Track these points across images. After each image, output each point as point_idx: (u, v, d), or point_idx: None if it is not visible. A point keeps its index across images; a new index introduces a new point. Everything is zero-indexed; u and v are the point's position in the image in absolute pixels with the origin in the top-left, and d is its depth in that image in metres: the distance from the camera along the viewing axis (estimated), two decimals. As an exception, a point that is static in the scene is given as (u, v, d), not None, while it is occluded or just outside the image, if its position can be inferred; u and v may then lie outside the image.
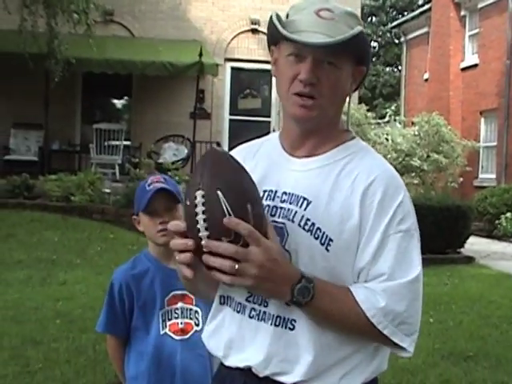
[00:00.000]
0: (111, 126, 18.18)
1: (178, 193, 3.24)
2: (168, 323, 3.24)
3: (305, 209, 2.08)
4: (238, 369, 2.15)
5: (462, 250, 14.43)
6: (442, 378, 6.52)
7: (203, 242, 1.89)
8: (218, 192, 1.87)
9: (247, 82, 20.45)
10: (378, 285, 2.02)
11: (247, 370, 2.12)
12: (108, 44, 17.93)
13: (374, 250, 2.03)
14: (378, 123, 17.32)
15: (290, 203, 2.11)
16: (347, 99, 2.24)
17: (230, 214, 1.86)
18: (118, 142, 17.67)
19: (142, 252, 3.41)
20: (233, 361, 2.15)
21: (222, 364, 2.22)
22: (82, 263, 10.26)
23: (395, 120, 17.37)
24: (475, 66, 24.85)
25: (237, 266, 1.89)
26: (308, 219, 2.06)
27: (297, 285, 1.96)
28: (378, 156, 2.23)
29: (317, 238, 2.04)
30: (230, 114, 20.02)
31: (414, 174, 16.39)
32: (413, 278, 2.05)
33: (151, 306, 3.23)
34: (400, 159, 15.92)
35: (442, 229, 13.47)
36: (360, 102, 18.69)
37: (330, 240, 2.04)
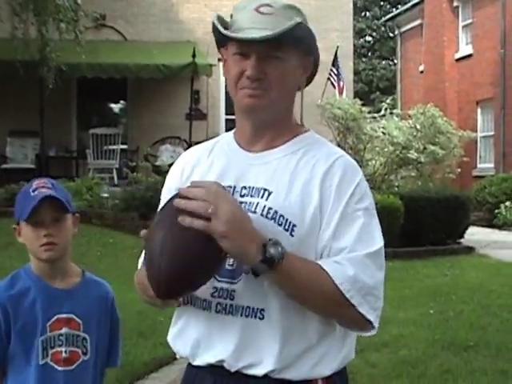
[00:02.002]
0: (107, 130, 18.21)
1: (68, 201, 2.81)
2: (50, 351, 2.78)
3: (266, 199, 2.12)
4: (207, 367, 2.15)
5: (461, 240, 14.44)
6: (442, 369, 6.50)
7: (175, 201, 1.97)
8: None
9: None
10: (344, 256, 2.05)
11: (217, 368, 2.12)
12: (101, 48, 17.93)
13: (333, 227, 2.08)
14: (374, 117, 17.28)
15: (251, 196, 2.14)
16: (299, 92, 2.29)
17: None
18: (114, 147, 17.69)
19: (23, 268, 2.92)
20: (202, 359, 2.15)
21: (189, 365, 2.23)
22: (82, 267, 10.21)
23: (391, 113, 17.32)
24: (470, 56, 24.88)
25: (211, 209, 1.92)
26: (270, 208, 2.10)
27: (268, 241, 1.98)
28: (334, 146, 2.30)
29: (280, 225, 2.08)
30: (226, 114, 20.01)
31: (411, 167, 16.37)
32: (375, 249, 2.09)
33: (31, 330, 2.76)
34: (397, 152, 15.89)
35: (442, 220, 13.48)
36: (355, 97, 18.67)
37: (294, 225, 2.08)
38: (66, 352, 2.78)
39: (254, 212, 2.10)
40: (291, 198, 2.11)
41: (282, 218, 2.08)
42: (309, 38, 2.20)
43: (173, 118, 19.23)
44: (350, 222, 2.09)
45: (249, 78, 2.13)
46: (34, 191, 2.76)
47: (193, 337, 2.17)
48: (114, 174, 17.44)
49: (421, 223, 13.22)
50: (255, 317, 2.07)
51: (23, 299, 2.78)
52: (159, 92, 19.16)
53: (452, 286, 10.15)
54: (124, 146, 18.45)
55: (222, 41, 2.22)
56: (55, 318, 2.78)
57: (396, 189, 15.29)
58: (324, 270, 2.03)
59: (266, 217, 2.09)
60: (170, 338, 2.28)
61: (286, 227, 2.08)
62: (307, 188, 2.11)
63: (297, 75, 2.21)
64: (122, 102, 20.87)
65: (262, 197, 2.13)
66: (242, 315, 2.08)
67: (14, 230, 2.86)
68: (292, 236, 2.07)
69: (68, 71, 16.16)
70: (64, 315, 2.79)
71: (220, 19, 2.19)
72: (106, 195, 15.10)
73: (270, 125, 2.22)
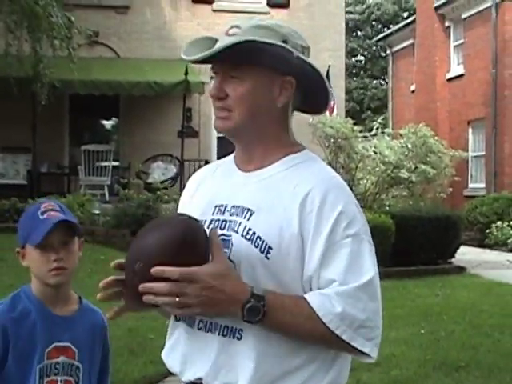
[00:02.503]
0: (99, 147, 18.20)
1: (76, 224, 2.77)
2: (45, 379, 2.70)
3: (248, 219, 2.12)
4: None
5: (453, 260, 14.45)
6: (434, 389, 6.51)
7: (140, 287, 1.99)
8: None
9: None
10: (333, 290, 2.02)
11: None
12: (94, 65, 17.96)
13: (319, 257, 2.04)
14: (366, 136, 17.32)
15: (237, 215, 2.15)
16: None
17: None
18: (106, 163, 17.68)
19: (22, 289, 2.83)
20: (187, 376, 2.16)
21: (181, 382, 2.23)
22: (73, 285, 10.18)
23: (383, 132, 17.36)
24: (461, 76, 24.99)
25: (177, 299, 1.96)
26: (250, 229, 2.10)
27: (246, 304, 1.98)
28: (323, 166, 2.24)
29: (256, 247, 2.07)
30: (218, 132, 19.97)
31: (402, 186, 16.40)
32: (367, 280, 2.04)
33: (29, 357, 2.68)
34: (388, 171, 15.92)
35: (433, 239, 13.50)
36: (347, 116, 18.74)
37: (270, 248, 2.06)
38: (61, 381, 2.73)
39: (236, 232, 2.12)
40: (271, 219, 2.09)
41: (258, 240, 2.07)
42: (277, 58, 2.13)
43: (165, 136, 19.24)
44: (337, 250, 2.04)
45: (212, 96, 2.18)
46: (42, 214, 2.70)
47: (180, 352, 2.19)
48: (106, 191, 17.43)
49: (412, 242, 13.23)
50: (233, 336, 2.07)
51: (24, 323, 2.71)
52: (151, 109, 19.18)
53: (443, 306, 10.15)
54: (116, 163, 18.44)
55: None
56: (53, 345, 2.72)
57: (387, 208, 15.31)
58: (311, 307, 2.00)
59: (245, 237, 2.10)
60: (163, 354, 2.28)
61: (262, 249, 2.07)
62: (287, 211, 2.09)
63: (268, 94, 2.17)
64: (114, 118, 20.87)
65: (244, 216, 2.13)
66: (219, 334, 2.09)
67: (18, 254, 2.78)
68: (267, 258, 2.06)
69: (61, 88, 16.20)
70: (62, 343, 2.74)
71: (200, 41, 2.24)
72: (97, 212, 15.08)
73: (255, 145, 2.22)
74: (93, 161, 17.65)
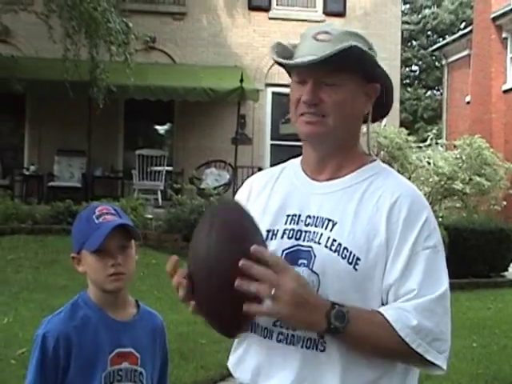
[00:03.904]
0: (153, 152, 18.31)
1: (134, 227, 2.70)
2: None
3: (330, 230, 2.10)
4: None
5: (505, 273, 14.27)
6: (485, 403, 6.44)
7: (241, 262, 1.90)
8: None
9: (288, 107, 20.44)
10: (408, 303, 2.01)
11: None
12: (150, 71, 18.12)
13: (402, 266, 2.04)
14: (420, 147, 17.22)
15: (316, 226, 2.13)
16: (367, 120, 2.26)
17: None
18: (160, 168, 17.80)
19: (79, 296, 2.77)
20: None
21: None
22: (135, 299, 10.20)
23: (437, 143, 17.27)
24: (517, 88, 24.70)
25: (273, 291, 1.90)
26: (334, 240, 2.08)
27: (331, 311, 1.96)
28: (401, 176, 2.25)
29: (344, 258, 2.06)
30: (272, 139, 20.04)
31: (456, 198, 16.29)
32: (441, 293, 2.05)
33: (93, 364, 2.61)
34: (442, 183, 15.83)
35: (485, 252, 13.36)
36: (401, 126, 18.63)
37: (358, 259, 2.05)
38: None
39: (319, 243, 2.10)
40: (356, 230, 2.08)
41: (345, 251, 2.06)
42: (369, 64, 2.15)
43: (218, 142, 19.32)
44: (418, 260, 2.05)
45: (305, 102, 2.14)
46: (98, 218, 2.63)
47: (253, 364, 2.16)
48: (159, 196, 17.53)
49: (464, 255, 13.08)
50: (316, 349, 2.05)
51: (86, 331, 2.63)
52: (206, 115, 19.28)
53: (495, 320, 10.04)
54: (169, 168, 18.53)
55: (287, 69, 2.25)
56: (116, 351, 2.65)
57: (440, 219, 15.20)
58: (388, 321, 2.00)
59: (330, 249, 2.08)
60: (230, 364, 2.26)
61: (350, 260, 2.05)
62: (373, 221, 2.08)
63: (357, 102, 2.18)
64: (168, 124, 21.00)
65: (326, 227, 2.11)
66: (302, 346, 2.07)
67: (73, 259, 2.72)
68: (356, 270, 2.05)
69: (117, 92, 16.33)
70: (124, 349, 2.67)
71: (280, 47, 2.23)
72: (150, 216, 15.18)
73: (334, 153, 2.21)
74: (147, 165, 17.79)
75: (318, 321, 1.96)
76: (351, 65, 2.12)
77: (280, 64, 2.23)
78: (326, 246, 2.08)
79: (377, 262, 2.06)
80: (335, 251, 2.07)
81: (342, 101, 2.13)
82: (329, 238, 2.09)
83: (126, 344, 2.67)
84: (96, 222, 2.62)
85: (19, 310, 8.87)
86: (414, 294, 2.02)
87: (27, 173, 18.44)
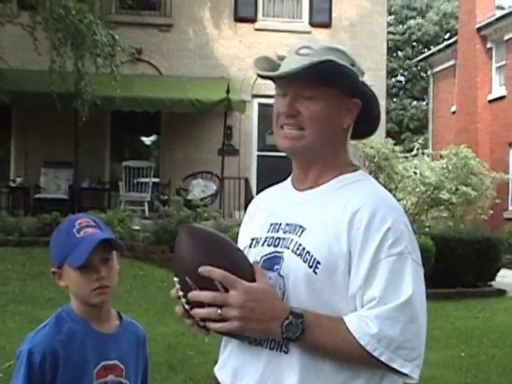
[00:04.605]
0: (140, 163, 18.31)
1: (116, 240, 2.64)
2: None
3: (299, 236, 2.17)
4: None
5: (493, 282, 14.31)
6: (474, 413, 6.45)
7: (189, 294, 2.06)
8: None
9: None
10: (371, 311, 2.03)
11: None
12: (136, 82, 18.13)
13: (364, 274, 2.06)
14: (406, 157, 17.29)
15: (290, 233, 2.20)
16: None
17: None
18: (146, 180, 17.79)
19: (63, 310, 2.70)
20: None
21: None
22: (112, 300, 10.20)
23: (423, 153, 17.33)
24: (503, 97, 24.80)
25: (219, 311, 2.00)
26: (300, 244, 2.14)
27: (285, 321, 2.02)
28: (377, 186, 2.27)
29: (305, 261, 2.11)
30: (258, 150, 20.04)
31: (442, 207, 16.34)
32: (404, 300, 2.03)
33: (79, 379, 2.56)
34: (428, 192, 15.88)
35: (473, 262, 13.40)
36: (387, 136, 18.68)
37: (318, 263, 2.09)
38: None
39: (288, 248, 2.16)
40: (320, 236, 2.12)
41: (307, 255, 2.11)
42: (349, 79, 2.19)
43: (205, 153, 19.32)
44: (380, 268, 2.05)
45: (284, 114, 2.20)
46: (78, 232, 2.56)
47: (233, 366, 2.21)
48: (146, 207, 17.52)
49: (452, 265, 13.11)
50: (280, 350, 2.10)
51: (72, 345, 2.57)
52: (192, 127, 19.29)
53: (483, 329, 10.07)
54: (156, 180, 18.53)
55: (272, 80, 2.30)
56: (101, 364, 2.60)
57: (427, 229, 15.23)
58: (349, 330, 2.02)
59: (295, 253, 2.14)
60: (216, 368, 2.31)
61: (310, 264, 2.10)
62: (336, 227, 2.11)
63: (336, 116, 2.22)
64: (155, 135, 21.00)
65: (296, 233, 2.18)
66: (267, 347, 2.12)
67: (54, 274, 2.64)
68: (315, 273, 2.09)
69: (103, 104, 16.30)
70: (110, 362, 2.62)
71: (263, 60, 2.29)
72: (137, 227, 15.18)
73: (314, 163, 2.26)
74: (133, 177, 17.78)
75: (275, 329, 2.04)
76: (328, 79, 2.16)
77: (262, 77, 2.29)
78: (292, 251, 2.15)
79: (337, 268, 2.09)
80: (299, 255, 2.13)
81: (318, 113, 2.18)
82: (296, 242, 2.16)
83: (112, 356, 2.64)
84: (77, 235, 2.56)
85: (6, 322, 8.84)
86: (376, 301, 2.03)
87: (13, 185, 18.40)
